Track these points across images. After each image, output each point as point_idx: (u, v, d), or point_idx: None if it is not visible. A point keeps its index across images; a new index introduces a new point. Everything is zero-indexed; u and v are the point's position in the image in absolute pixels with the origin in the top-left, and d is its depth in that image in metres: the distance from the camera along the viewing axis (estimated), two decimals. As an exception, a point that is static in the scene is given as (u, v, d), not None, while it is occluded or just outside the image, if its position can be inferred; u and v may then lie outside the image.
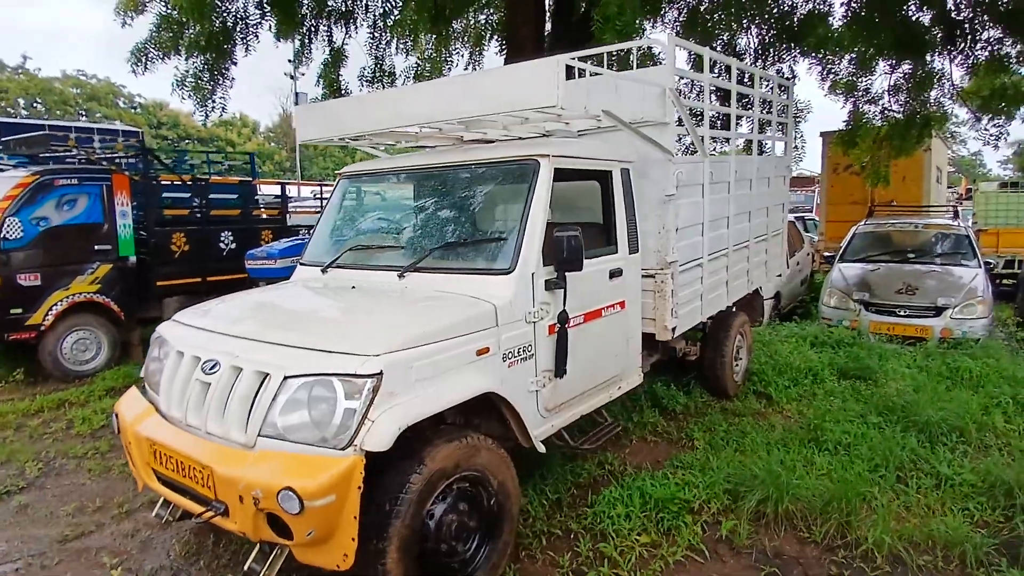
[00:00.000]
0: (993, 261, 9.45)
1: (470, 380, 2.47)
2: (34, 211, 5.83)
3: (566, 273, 2.86)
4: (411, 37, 8.69)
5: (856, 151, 8.98)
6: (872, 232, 8.01)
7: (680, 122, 3.77)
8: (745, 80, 5.13)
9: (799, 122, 8.88)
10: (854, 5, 7.67)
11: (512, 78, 2.81)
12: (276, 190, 9.49)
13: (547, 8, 7.96)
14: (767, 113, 5.62)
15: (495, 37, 9.39)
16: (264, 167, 38.19)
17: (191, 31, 7.15)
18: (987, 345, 5.92)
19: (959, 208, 9.60)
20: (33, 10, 58.36)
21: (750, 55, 8.55)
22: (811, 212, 16.00)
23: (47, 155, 7.21)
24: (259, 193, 9.48)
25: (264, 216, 8.37)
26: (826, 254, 10.64)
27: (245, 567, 2.32)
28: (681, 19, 8.23)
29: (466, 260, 2.98)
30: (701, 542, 2.95)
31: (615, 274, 3.39)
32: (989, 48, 7.67)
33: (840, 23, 7.87)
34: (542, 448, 2.82)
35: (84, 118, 33.72)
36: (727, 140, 5.04)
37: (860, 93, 8.47)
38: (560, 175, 3.10)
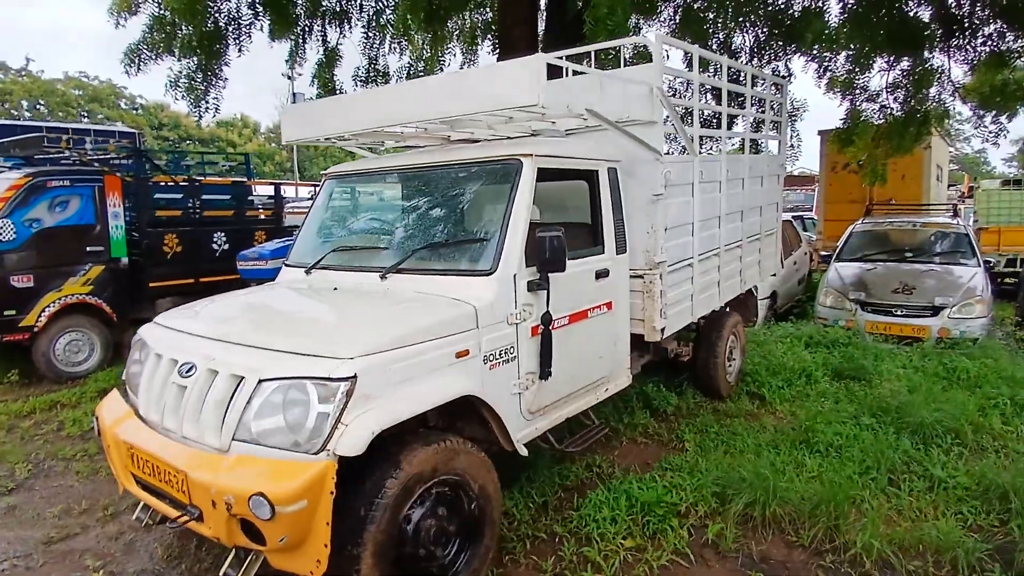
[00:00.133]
0: (994, 260, 9.37)
1: (448, 383, 2.44)
2: (27, 213, 5.83)
3: (549, 274, 2.82)
4: (404, 37, 8.66)
5: (853, 149, 8.91)
6: (869, 231, 7.94)
7: (669, 121, 3.73)
8: (742, 79, 5.08)
9: (795, 120, 8.83)
10: (850, 1, 7.60)
11: (493, 77, 2.77)
12: (272, 191, 9.45)
13: (540, 8, 7.93)
14: (761, 112, 5.57)
15: (488, 37, 9.36)
16: (264, 167, 38.24)
17: (183, 32, 7.14)
18: (985, 345, 5.86)
19: (960, 206, 9.51)
20: (34, 10, 58.60)
21: (745, 53, 8.49)
22: (811, 211, 15.89)
23: (42, 156, 7.21)
24: (255, 194, 9.47)
25: (260, 216, 8.35)
26: (823, 253, 10.56)
27: (221, 572, 2.29)
28: (677, 18, 8.17)
29: (448, 261, 2.95)
30: (687, 546, 2.91)
31: (601, 275, 3.36)
32: (989, 43, 7.60)
33: (836, 19, 7.81)
34: (524, 451, 2.79)
35: (86, 119, 33.82)
36: (724, 139, 4.99)
37: (858, 90, 8.40)
38: (545, 175, 3.07)
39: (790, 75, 8.65)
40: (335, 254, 3.35)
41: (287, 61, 8.57)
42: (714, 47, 8.36)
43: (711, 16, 8.10)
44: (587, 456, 3.82)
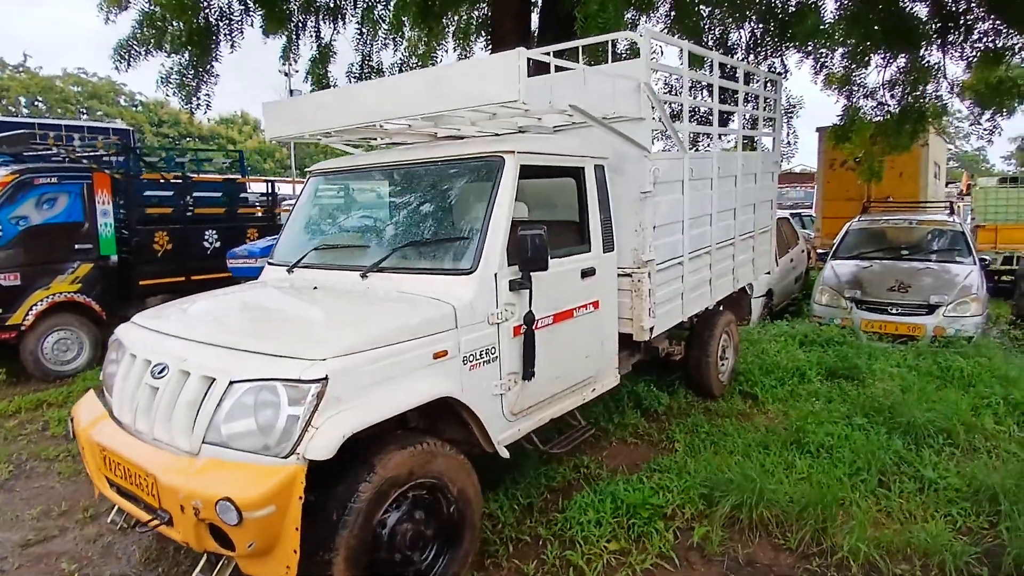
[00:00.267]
0: (991, 257, 9.31)
1: (425, 385, 2.39)
2: (14, 210, 5.77)
3: (532, 273, 2.77)
4: (398, 33, 8.60)
5: (849, 146, 8.84)
6: (866, 229, 7.89)
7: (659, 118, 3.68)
8: (738, 77, 5.02)
9: (791, 117, 8.77)
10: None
11: (473, 72, 2.72)
12: (270, 188, 9.39)
13: (536, 5, 7.86)
14: (755, 108, 5.51)
15: (482, 33, 9.29)
16: (265, 165, 38.18)
17: (174, 27, 7.08)
18: (980, 344, 5.81)
19: (957, 204, 9.45)
20: (35, 9, 58.48)
21: (742, 50, 8.43)
22: (811, 209, 15.82)
23: (32, 154, 7.15)
24: (250, 191, 9.41)
25: (256, 213, 8.29)
26: (820, 251, 10.50)
27: (192, 576, 2.25)
28: (671, 13, 8.10)
29: (428, 260, 2.90)
30: (672, 549, 2.86)
31: (587, 273, 3.30)
32: (984, 40, 7.53)
33: (832, 15, 7.74)
34: (505, 453, 2.74)
35: (85, 116, 33.75)
36: (719, 136, 4.93)
37: (855, 87, 8.33)
38: (529, 172, 3.01)
39: (786, 72, 8.60)
40: (318, 252, 3.30)
41: (280, 58, 8.51)
42: (710, 43, 8.29)
43: (705, 11, 8.03)
44: (575, 457, 3.78)
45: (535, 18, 7.91)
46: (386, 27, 8.53)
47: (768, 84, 5.90)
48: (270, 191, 8.58)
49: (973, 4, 7.33)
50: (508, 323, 2.79)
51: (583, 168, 3.36)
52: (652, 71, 3.72)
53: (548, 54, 3.41)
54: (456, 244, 2.85)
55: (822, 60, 8.21)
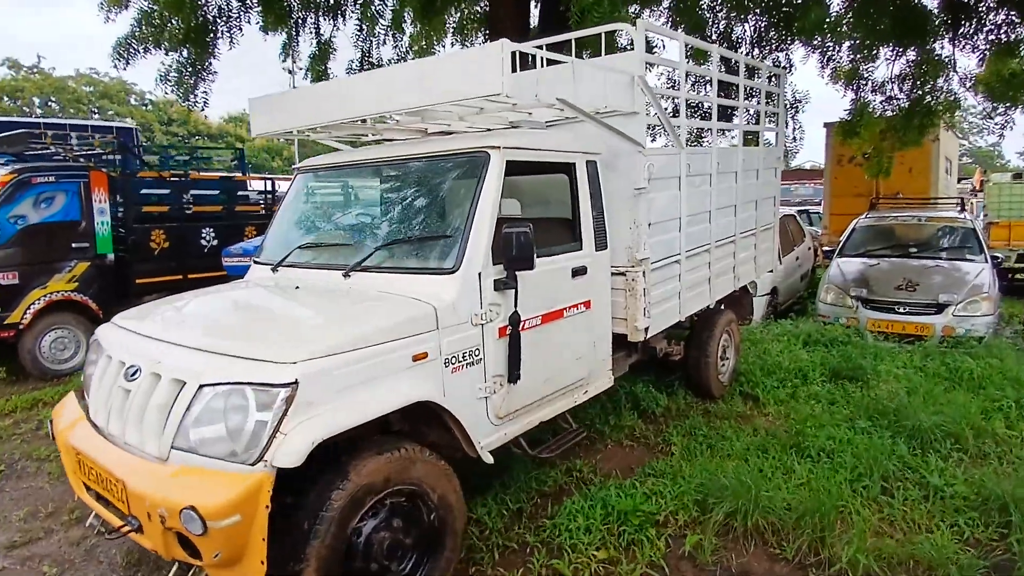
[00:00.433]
0: (1004, 255, 9.07)
1: (403, 388, 2.31)
2: (12, 209, 5.77)
3: (518, 272, 2.68)
4: (399, 29, 8.53)
5: (858, 141, 8.65)
6: (873, 226, 7.71)
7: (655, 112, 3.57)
8: (739, 71, 4.88)
9: (797, 112, 8.60)
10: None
11: (457, 65, 2.63)
12: (269, 185, 9.35)
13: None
14: (757, 102, 5.38)
15: (482, 30, 9.20)
16: (273, 163, 38.33)
17: (172, 25, 7.05)
18: (991, 344, 5.64)
19: (969, 200, 9.22)
20: (48, 9, 59.10)
21: (746, 44, 8.27)
22: (819, 205, 15.57)
23: (33, 153, 7.16)
24: (249, 189, 9.37)
25: (258, 211, 8.25)
26: (826, 248, 10.31)
27: (163, 585, 2.19)
28: (673, 6, 7.95)
29: (411, 258, 2.82)
30: (662, 558, 2.77)
31: (579, 272, 3.21)
32: (997, 33, 7.32)
33: (839, 8, 7.55)
34: (489, 458, 2.65)
35: (97, 116, 34.02)
36: (723, 132, 4.81)
37: (863, 81, 8.14)
38: (517, 168, 2.92)
39: (791, 66, 8.41)
40: (302, 251, 3.23)
41: (280, 55, 8.47)
42: (713, 37, 8.14)
43: (707, 4, 7.88)
44: (568, 460, 3.69)
45: (535, 13, 7.81)
46: (386, 23, 8.46)
47: (771, 78, 5.76)
48: (270, 189, 8.53)
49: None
50: (493, 324, 2.71)
51: (574, 164, 3.26)
52: (647, 64, 3.61)
53: (540, 47, 3.30)
54: (439, 242, 2.77)
55: (829, 54, 8.03)
